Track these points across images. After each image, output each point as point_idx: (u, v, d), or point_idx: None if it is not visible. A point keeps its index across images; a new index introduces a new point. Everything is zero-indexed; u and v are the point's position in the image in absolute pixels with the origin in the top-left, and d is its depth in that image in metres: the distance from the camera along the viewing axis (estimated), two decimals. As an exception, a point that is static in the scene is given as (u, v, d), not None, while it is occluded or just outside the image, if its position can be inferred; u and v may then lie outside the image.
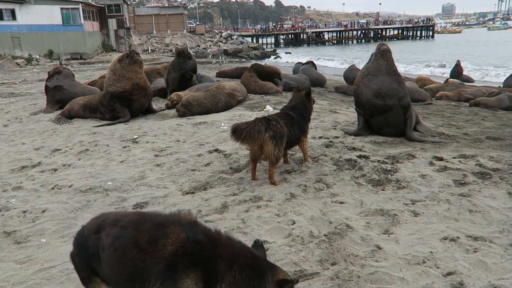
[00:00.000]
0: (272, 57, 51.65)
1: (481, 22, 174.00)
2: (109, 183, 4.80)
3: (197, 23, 74.56)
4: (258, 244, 2.05)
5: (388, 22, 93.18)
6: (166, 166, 5.31)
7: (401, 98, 6.13)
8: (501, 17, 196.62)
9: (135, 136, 6.94)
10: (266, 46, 75.33)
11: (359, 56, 42.48)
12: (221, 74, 18.10)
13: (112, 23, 45.82)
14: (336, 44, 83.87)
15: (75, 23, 36.19)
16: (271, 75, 11.96)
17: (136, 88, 8.36)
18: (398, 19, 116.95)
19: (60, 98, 10.04)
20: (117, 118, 8.39)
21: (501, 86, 14.82)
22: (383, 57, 6.12)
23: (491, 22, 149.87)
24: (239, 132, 4.08)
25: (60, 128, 8.09)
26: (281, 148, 4.32)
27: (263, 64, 13.09)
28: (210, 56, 49.17)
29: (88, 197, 4.43)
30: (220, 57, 46.56)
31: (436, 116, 8.99)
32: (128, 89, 8.29)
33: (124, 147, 6.35)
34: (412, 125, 6.48)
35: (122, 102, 8.36)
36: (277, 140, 4.24)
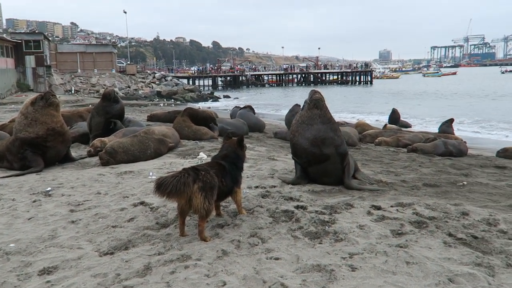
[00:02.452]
0: (210, 100, 52.36)
1: (416, 68, 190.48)
2: (12, 245, 4.43)
3: (128, 62, 74.22)
4: None
5: (328, 67, 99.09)
6: (83, 222, 5.04)
7: (338, 147, 6.42)
8: (435, 64, 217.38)
9: (48, 189, 6.56)
10: (203, 89, 76.44)
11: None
12: (152, 118, 17.95)
13: (30, 60, 44.30)
14: (276, 86, 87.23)
15: (-15, 59, 34.54)
16: (206, 119, 12.08)
17: (52, 134, 8.00)
18: (338, 64, 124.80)
19: (-41, 145, 9.33)
20: (27, 168, 7.92)
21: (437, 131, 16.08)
22: (316, 106, 6.43)
23: (425, 69, 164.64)
24: (163, 187, 4.00)
25: (-44, 180, 7.45)
26: (211, 201, 4.28)
27: (197, 108, 13.22)
28: (142, 97, 48.75)
29: (-16, 263, 4.04)
30: (164, 100, 46.34)
31: (375, 163, 9.47)
32: (42, 134, 7.91)
33: (34, 201, 5.96)
34: (351, 173, 6.76)
35: (35, 150, 7.94)
36: (206, 192, 4.21)
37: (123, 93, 49.47)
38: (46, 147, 8.03)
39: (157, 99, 47.47)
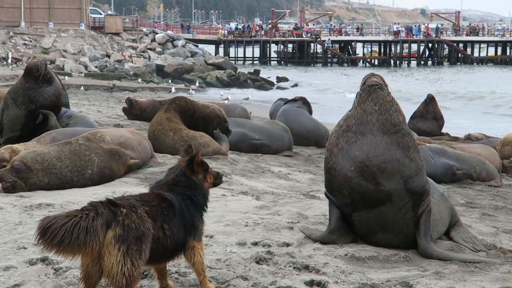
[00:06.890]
0: (253, 85, 52.08)
1: None
2: None
3: (109, 12, 76.55)
4: None
5: (478, 31, 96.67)
6: None
7: (409, 179, 6.44)
8: None
9: None
10: (244, 63, 77.25)
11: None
12: (133, 110, 18.53)
13: None
14: (379, 66, 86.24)
15: None
16: (209, 119, 12.32)
17: None
18: (500, 26, 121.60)
19: None
20: None
21: None
22: (372, 98, 6.48)
23: None
24: (51, 234, 4.14)
25: None
26: (138, 261, 4.40)
27: (196, 101, 13.40)
28: (130, 76, 49.60)
29: None
30: (169, 82, 46.98)
31: (511, 213, 9.36)
32: None
33: None
34: (438, 230, 6.78)
35: None
36: (129, 246, 4.33)
37: (96, 67, 51.09)
38: None
39: (157, 81, 48.07)
